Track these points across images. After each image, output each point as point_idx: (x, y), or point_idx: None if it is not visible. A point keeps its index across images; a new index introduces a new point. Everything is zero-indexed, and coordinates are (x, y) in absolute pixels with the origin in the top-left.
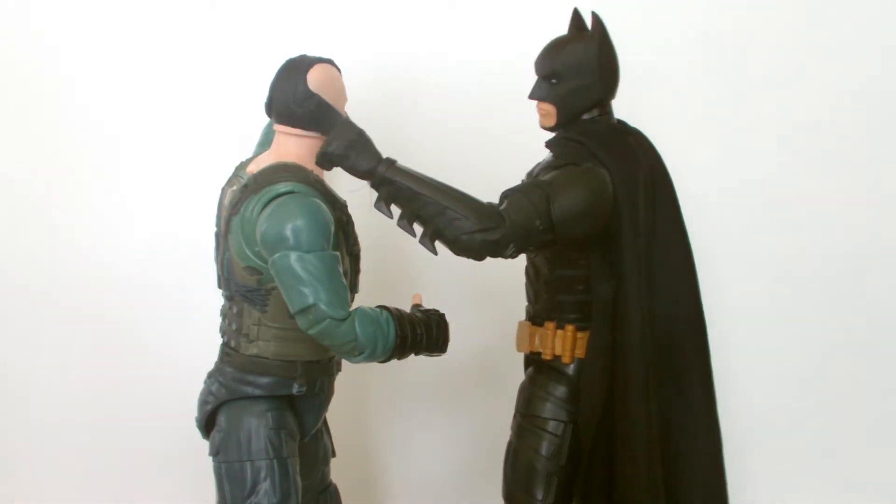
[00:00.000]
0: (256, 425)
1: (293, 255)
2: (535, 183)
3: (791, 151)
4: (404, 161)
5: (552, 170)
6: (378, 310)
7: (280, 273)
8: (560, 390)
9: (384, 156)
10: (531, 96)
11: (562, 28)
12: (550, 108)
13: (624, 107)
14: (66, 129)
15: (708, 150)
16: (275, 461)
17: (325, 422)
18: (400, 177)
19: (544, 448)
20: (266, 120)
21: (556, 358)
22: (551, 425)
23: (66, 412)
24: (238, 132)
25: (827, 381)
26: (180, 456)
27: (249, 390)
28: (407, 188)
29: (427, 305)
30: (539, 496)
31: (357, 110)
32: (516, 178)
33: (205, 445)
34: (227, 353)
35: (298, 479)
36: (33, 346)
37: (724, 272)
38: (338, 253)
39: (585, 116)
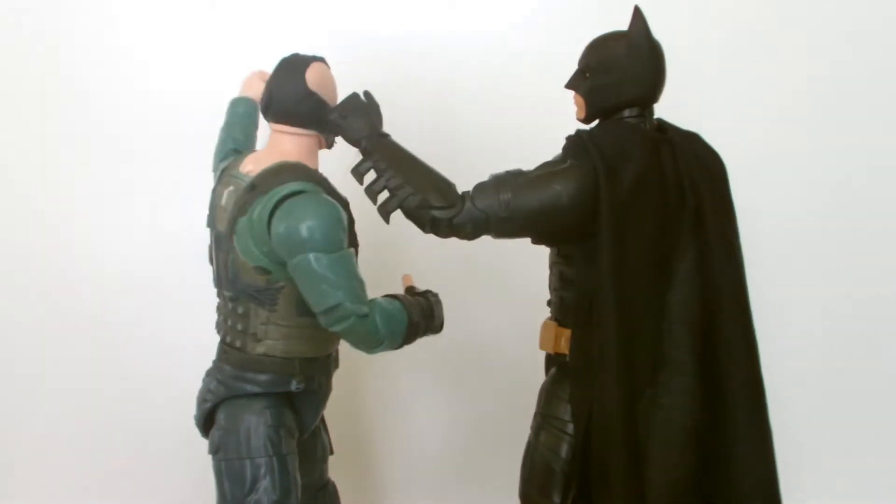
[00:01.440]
0: (255, 423)
1: (313, 257)
2: (515, 172)
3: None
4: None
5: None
6: (390, 300)
7: (302, 275)
8: None
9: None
10: (566, 85)
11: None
12: (580, 100)
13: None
14: (65, 129)
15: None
16: (274, 458)
17: (322, 419)
18: (382, 149)
19: (563, 449)
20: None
21: None
22: (571, 427)
23: (65, 410)
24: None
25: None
26: (179, 454)
27: (248, 388)
28: (386, 160)
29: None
30: (556, 499)
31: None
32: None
33: (204, 444)
34: (226, 350)
35: (298, 476)
36: (33, 345)
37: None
38: (352, 249)
39: (626, 114)
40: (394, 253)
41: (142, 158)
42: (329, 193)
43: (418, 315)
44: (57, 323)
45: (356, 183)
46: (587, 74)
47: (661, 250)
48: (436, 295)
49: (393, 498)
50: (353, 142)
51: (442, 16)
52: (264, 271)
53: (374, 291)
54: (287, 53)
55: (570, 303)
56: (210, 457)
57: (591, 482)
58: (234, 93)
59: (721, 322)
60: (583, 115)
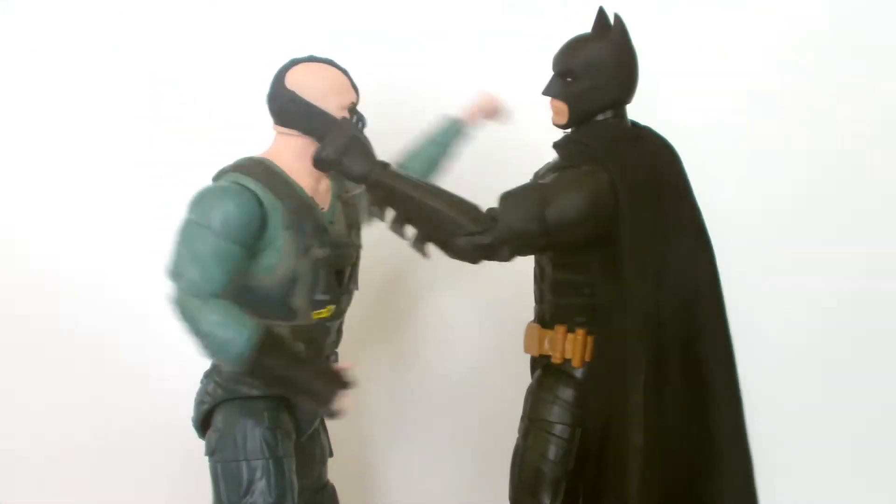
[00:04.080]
0: (252, 425)
1: (185, 220)
2: (534, 186)
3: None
4: None
5: (554, 172)
6: (246, 315)
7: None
8: (568, 393)
9: (378, 159)
10: (545, 92)
11: (578, 28)
12: (562, 107)
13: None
14: (64, 129)
15: (728, 154)
16: (270, 461)
17: (322, 421)
18: (393, 180)
19: (552, 452)
20: None
21: (566, 361)
22: (559, 429)
23: (62, 414)
24: (237, 132)
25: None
26: (176, 456)
27: (245, 390)
28: (398, 191)
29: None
30: (546, 501)
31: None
32: (523, 179)
33: (201, 445)
34: None
35: (294, 478)
36: (30, 347)
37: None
38: (226, 242)
39: (599, 117)
40: (394, 258)
41: (137, 158)
42: (274, 190)
43: (276, 360)
44: (51, 326)
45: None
46: (568, 79)
47: (660, 249)
48: (337, 375)
49: (392, 500)
50: (357, 178)
51: (442, 16)
52: None
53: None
54: (284, 53)
55: (575, 309)
56: (206, 459)
57: (602, 483)
58: (235, 92)
59: (700, 317)
60: (564, 121)
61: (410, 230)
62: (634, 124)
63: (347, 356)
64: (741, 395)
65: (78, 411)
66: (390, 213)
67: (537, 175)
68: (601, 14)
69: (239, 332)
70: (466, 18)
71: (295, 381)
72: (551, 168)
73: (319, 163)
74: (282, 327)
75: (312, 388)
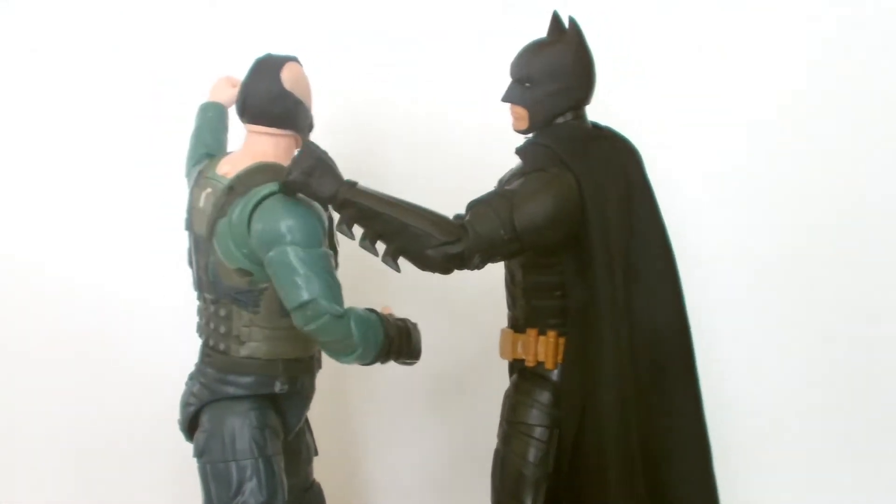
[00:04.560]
0: (240, 425)
1: (290, 251)
2: (501, 192)
3: (774, 143)
4: (372, 179)
5: (520, 177)
6: (367, 311)
7: (277, 268)
8: (545, 396)
9: (345, 178)
10: (504, 99)
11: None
12: (523, 112)
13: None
14: (65, 129)
15: (689, 148)
16: (260, 460)
17: (306, 420)
18: (361, 198)
19: (532, 454)
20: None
21: (540, 364)
22: (538, 431)
23: (50, 419)
24: (236, 132)
25: (816, 382)
26: (165, 459)
27: (232, 390)
28: (368, 208)
29: (410, 309)
30: (528, 503)
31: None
32: (488, 186)
33: (189, 447)
34: (209, 353)
35: (284, 477)
36: (18, 352)
37: (709, 272)
38: (330, 251)
39: (560, 120)
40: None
41: (132, 159)
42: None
43: (395, 332)
44: (53, 324)
45: None
46: (527, 84)
47: (628, 247)
48: (415, 324)
49: (378, 499)
50: (326, 199)
51: (442, 16)
52: (245, 273)
53: (349, 299)
54: (284, 53)
55: (547, 311)
56: (195, 460)
57: (579, 480)
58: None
59: (657, 313)
60: (525, 126)
61: (381, 246)
62: (595, 125)
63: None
64: (703, 411)
65: (64, 416)
66: (360, 231)
67: (501, 181)
68: (555, 18)
69: (377, 330)
70: (466, 18)
71: (404, 348)
72: (516, 174)
73: (288, 185)
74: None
75: (414, 345)
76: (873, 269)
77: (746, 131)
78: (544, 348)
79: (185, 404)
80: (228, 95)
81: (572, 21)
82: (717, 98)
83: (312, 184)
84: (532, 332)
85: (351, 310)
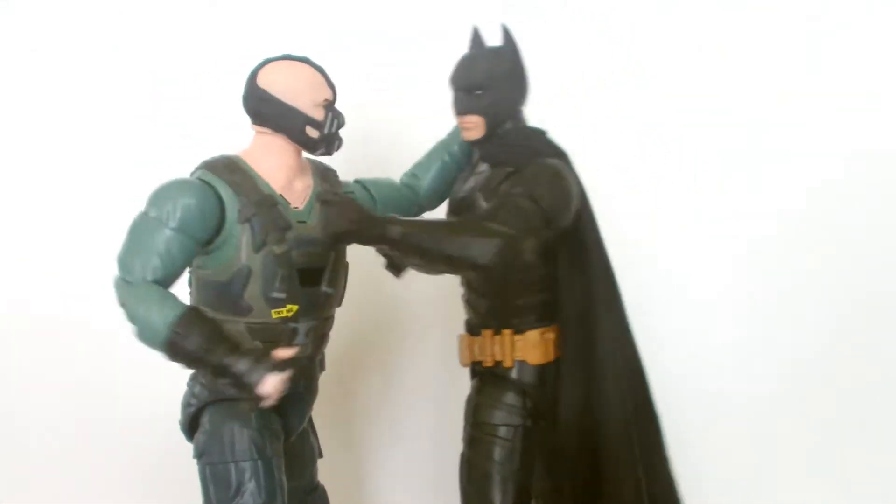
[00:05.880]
0: (240, 426)
1: (141, 211)
2: (510, 193)
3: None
4: None
5: (513, 177)
6: (174, 301)
7: None
8: (507, 395)
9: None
10: (459, 112)
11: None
12: (479, 120)
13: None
14: (64, 129)
15: (689, 148)
16: (259, 462)
17: (310, 422)
18: (407, 228)
19: (497, 454)
20: None
21: (498, 364)
22: (502, 431)
23: (50, 419)
24: (236, 132)
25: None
26: (164, 459)
27: (232, 392)
28: (416, 235)
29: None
30: (497, 500)
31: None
32: None
33: (189, 448)
34: None
35: (283, 479)
36: (29, 347)
37: (709, 272)
38: (175, 233)
39: (508, 125)
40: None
41: (132, 160)
42: (234, 186)
43: (199, 338)
44: (52, 324)
45: None
46: (478, 92)
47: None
48: (269, 366)
49: (383, 501)
50: (376, 242)
51: (442, 16)
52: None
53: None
54: (284, 53)
55: (529, 307)
56: (195, 461)
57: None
58: (231, 94)
59: (598, 312)
60: (481, 134)
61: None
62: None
63: (335, 360)
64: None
65: (64, 416)
66: (410, 263)
67: (487, 188)
68: (476, 34)
69: (160, 312)
70: (466, 18)
71: (215, 362)
72: (506, 177)
73: (337, 238)
74: (237, 323)
75: (234, 369)
76: (861, 262)
77: (746, 131)
78: (500, 347)
79: (185, 405)
80: None
81: (504, 29)
82: (717, 98)
83: (364, 231)
84: (487, 333)
85: (146, 285)
